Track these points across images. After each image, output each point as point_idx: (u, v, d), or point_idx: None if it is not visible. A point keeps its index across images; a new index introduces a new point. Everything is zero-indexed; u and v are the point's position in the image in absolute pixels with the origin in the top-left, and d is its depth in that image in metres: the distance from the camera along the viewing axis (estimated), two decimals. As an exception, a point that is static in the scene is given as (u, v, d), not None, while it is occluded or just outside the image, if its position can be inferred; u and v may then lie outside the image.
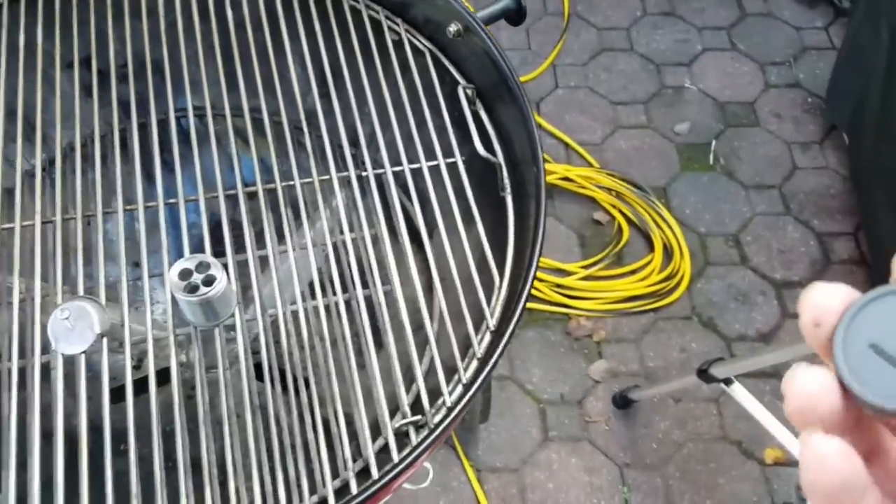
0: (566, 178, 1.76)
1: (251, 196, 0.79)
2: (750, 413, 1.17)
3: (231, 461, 0.64)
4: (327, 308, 0.80)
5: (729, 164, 1.84)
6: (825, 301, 0.24)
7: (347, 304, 0.79)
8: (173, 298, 0.65)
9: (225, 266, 0.67)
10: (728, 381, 1.20)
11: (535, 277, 0.62)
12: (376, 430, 0.65)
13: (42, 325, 0.68)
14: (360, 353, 0.83)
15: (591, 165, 1.81)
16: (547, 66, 1.96)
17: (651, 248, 1.69)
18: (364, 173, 0.78)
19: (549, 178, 1.76)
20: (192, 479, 0.66)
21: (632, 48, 2.04)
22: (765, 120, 1.92)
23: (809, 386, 0.24)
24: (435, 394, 0.65)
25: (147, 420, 0.67)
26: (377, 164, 0.79)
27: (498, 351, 0.60)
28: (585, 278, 1.66)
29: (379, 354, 0.69)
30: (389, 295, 0.73)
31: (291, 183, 0.77)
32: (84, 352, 0.63)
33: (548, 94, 1.94)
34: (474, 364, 0.66)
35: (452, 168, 0.77)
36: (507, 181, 0.76)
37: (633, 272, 1.67)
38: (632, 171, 1.79)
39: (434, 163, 0.77)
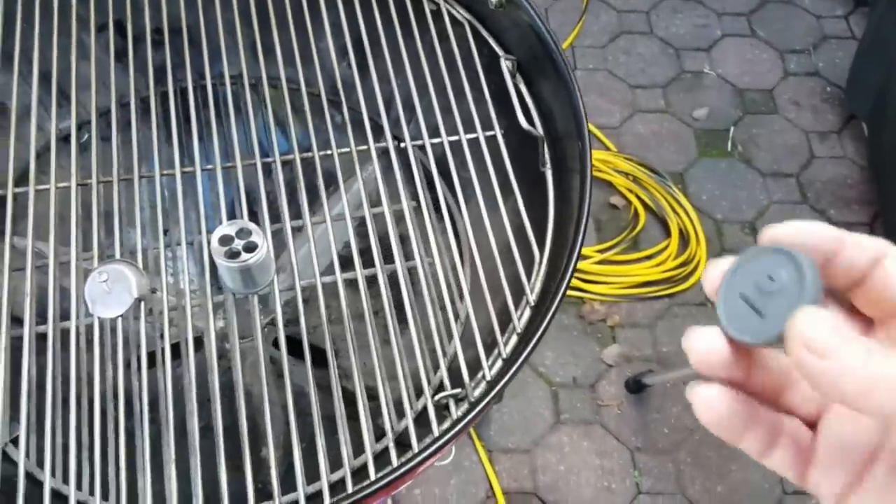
0: (583, 161, 1.75)
1: (285, 165, 0.78)
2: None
3: (269, 431, 0.63)
4: (362, 280, 0.79)
5: (747, 151, 1.83)
6: (713, 271, 0.31)
7: (385, 275, 0.78)
8: (212, 264, 0.64)
9: (264, 233, 0.66)
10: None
11: (579, 255, 0.61)
12: (406, 405, 0.64)
13: (73, 290, 0.67)
14: (394, 326, 0.83)
15: (608, 149, 1.80)
16: (565, 48, 1.95)
17: (667, 234, 1.68)
18: (402, 144, 0.77)
19: (567, 161, 1.75)
20: (226, 446, 0.65)
21: (651, 31, 2.02)
22: (783, 108, 1.91)
23: (700, 341, 0.30)
24: (474, 368, 0.64)
25: (178, 387, 0.67)
26: (415, 135, 0.78)
27: (542, 328, 0.60)
28: (600, 262, 1.65)
29: (409, 331, 0.68)
30: (427, 267, 0.72)
31: (328, 152, 0.76)
32: (121, 315, 0.62)
33: (566, 76, 1.93)
34: (514, 339, 0.65)
35: (490, 142, 0.76)
36: (547, 156, 0.75)
37: (648, 257, 1.66)
38: (649, 155, 1.78)
39: (473, 135, 0.76)
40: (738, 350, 0.30)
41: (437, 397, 0.61)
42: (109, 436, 0.70)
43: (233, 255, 0.62)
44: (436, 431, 0.60)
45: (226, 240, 0.62)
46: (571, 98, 0.71)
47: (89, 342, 0.67)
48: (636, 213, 1.71)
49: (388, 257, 0.78)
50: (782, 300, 0.28)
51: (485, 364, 0.63)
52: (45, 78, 0.80)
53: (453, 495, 1.38)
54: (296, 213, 0.77)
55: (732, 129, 1.86)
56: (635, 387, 1.48)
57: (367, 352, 0.71)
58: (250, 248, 0.62)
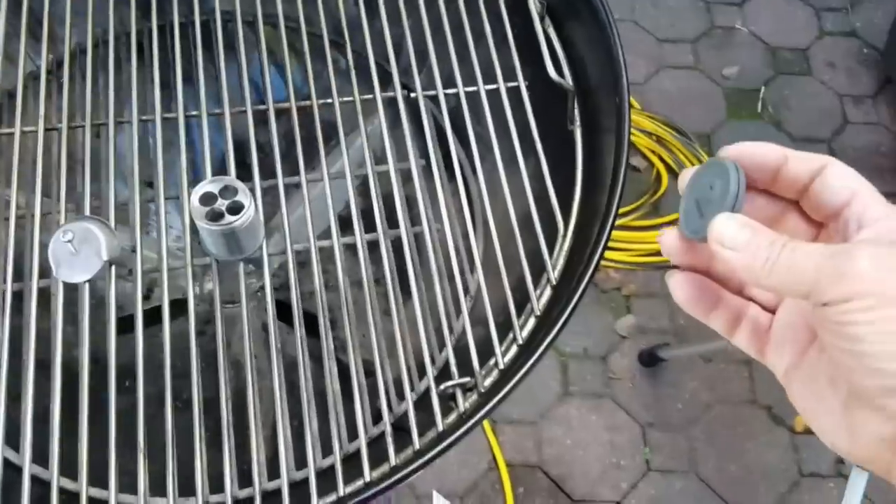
0: (603, 119, 1.66)
1: (281, 114, 0.69)
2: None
3: (251, 405, 0.56)
4: (362, 245, 0.71)
5: (777, 113, 1.73)
6: (685, 174, 0.37)
7: (388, 241, 0.71)
8: (192, 224, 0.57)
9: (252, 192, 0.58)
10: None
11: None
12: (406, 386, 0.57)
13: (41, 246, 0.60)
14: (396, 296, 0.76)
15: (631, 106, 1.70)
16: (590, -3, 1.84)
17: (689, 199, 1.59)
18: (412, 94, 0.68)
19: (586, 118, 1.65)
20: (205, 422, 0.59)
21: (682, -18, 1.91)
22: (817, 69, 1.80)
23: (664, 237, 0.38)
24: (485, 352, 0.56)
25: (154, 355, 0.60)
26: (427, 85, 0.69)
27: (566, 313, 0.52)
28: (617, 227, 1.56)
29: (412, 302, 0.61)
30: (436, 234, 0.64)
31: (329, 101, 0.68)
32: (88, 280, 0.55)
33: (588, 28, 1.82)
34: (531, 322, 0.58)
35: (512, 94, 0.68)
36: (577, 113, 0.66)
37: (670, 223, 1.57)
38: (675, 114, 1.68)
39: (493, 86, 0.67)
40: (693, 244, 0.37)
41: (442, 386, 0.53)
42: (79, 406, 0.63)
43: (215, 216, 0.54)
44: (440, 425, 0.53)
45: (208, 198, 0.54)
46: (609, 47, 0.62)
47: (72, 302, 0.60)
48: (658, 176, 1.62)
49: (392, 221, 0.71)
50: (714, 205, 0.34)
51: (497, 349, 0.55)
52: (16, 5, 0.71)
53: (454, 465, 1.32)
54: (292, 170, 0.69)
55: (763, 89, 1.76)
56: (649, 360, 1.41)
57: (364, 323, 0.64)
58: (235, 209, 0.54)
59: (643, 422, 1.38)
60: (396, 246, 0.67)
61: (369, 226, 0.68)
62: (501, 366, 0.55)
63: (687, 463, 1.35)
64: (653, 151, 1.63)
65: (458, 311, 0.73)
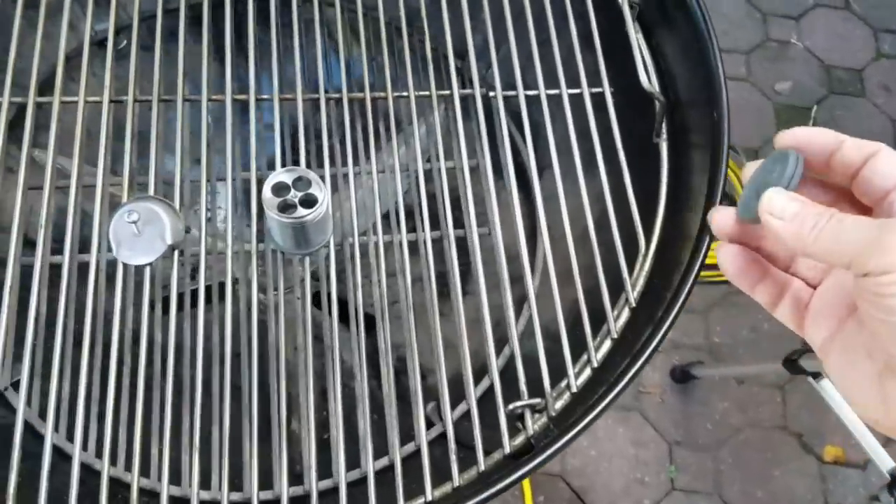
0: (650, 125, 1.62)
1: (335, 104, 0.66)
2: (838, 414, 1.06)
3: (303, 403, 0.54)
4: (411, 243, 0.69)
5: (827, 134, 1.69)
6: (749, 167, 0.39)
7: (434, 241, 0.68)
8: (259, 209, 0.54)
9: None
10: (817, 376, 1.09)
11: (707, 254, 0.50)
12: (471, 399, 0.54)
13: (95, 218, 0.57)
14: (442, 297, 0.73)
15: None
16: None
17: (732, 214, 1.56)
18: (470, 92, 0.65)
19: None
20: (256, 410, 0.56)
21: (739, -9, 1.86)
22: (871, 91, 1.76)
23: (718, 215, 0.39)
24: (555, 372, 0.53)
25: (194, 337, 0.57)
26: (487, 83, 0.66)
27: (655, 342, 0.49)
28: (656, 236, 1.53)
29: (473, 304, 0.58)
30: (502, 236, 0.61)
31: (382, 95, 0.65)
32: (150, 264, 0.52)
33: (640, 30, 1.78)
34: (607, 345, 0.55)
35: (597, 100, 0.64)
36: (664, 125, 0.63)
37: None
38: (723, 127, 1.64)
39: (576, 91, 0.64)
40: (745, 226, 0.39)
41: (511, 406, 0.50)
42: (124, 389, 0.61)
43: (286, 207, 0.51)
44: (507, 447, 0.50)
45: (280, 189, 0.52)
46: (707, 58, 0.59)
47: (110, 278, 0.58)
48: (700, 188, 1.59)
49: (456, 220, 0.68)
50: (771, 186, 0.35)
51: (570, 370, 0.52)
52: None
53: (475, 468, 1.29)
54: (355, 160, 0.66)
55: (815, 107, 1.71)
56: (681, 376, 1.38)
57: (423, 326, 0.61)
58: (309, 202, 0.51)
59: (670, 439, 1.35)
60: (461, 246, 0.64)
61: (433, 223, 0.65)
62: (574, 389, 0.52)
63: (712, 485, 1.33)
64: (698, 163, 1.60)
65: (521, 320, 0.70)
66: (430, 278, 0.69)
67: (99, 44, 0.73)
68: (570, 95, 0.64)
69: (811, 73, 1.76)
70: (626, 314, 0.55)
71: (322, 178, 0.63)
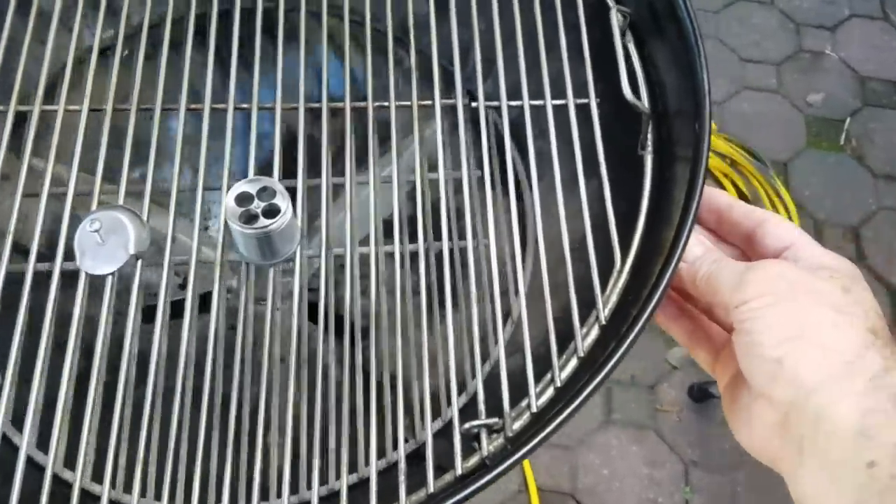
0: (675, 137, 1.59)
1: (335, 113, 0.66)
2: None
3: (262, 410, 0.53)
4: (402, 255, 0.68)
5: (861, 146, 1.64)
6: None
7: (426, 253, 0.67)
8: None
9: (293, 191, 0.55)
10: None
11: (676, 269, 0.48)
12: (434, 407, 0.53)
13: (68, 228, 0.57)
14: (428, 311, 0.72)
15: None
16: (673, 9, 1.77)
17: (758, 229, 1.52)
18: (474, 104, 0.64)
19: (657, 134, 1.59)
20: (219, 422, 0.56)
21: (772, 2, 1.82)
22: (909, 104, 1.70)
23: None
24: (518, 389, 0.52)
25: (176, 348, 0.56)
26: (491, 94, 0.65)
27: (614, 359, 0.47)
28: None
29: (451, 319, 0.57)
30: (483, 250, 0.60)
31: (385, 104, 0.64)
32: (111, 274, 0.52)
33: (668, 41, 1.75)
34: (573, 363, 0.53)
35: (581, 111, 0.63)
36: (649, 137, 0.61)
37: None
38: (752, 138, 1.60)
39: (561, 101, 0.62)
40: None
41: (466, 426, 0.49)
42: (93, 397, 0.61)
43: (250, 218, 0.51)
44: (458, 468, 0.49)
45: (244, 199, 0.51)
46: (694, 70, 0.57)
47: (98, 287, 0.58)
48: (726, 202, 1.55)
49: (437, 233, 0.67)
50: None
51: (532, 390, 0.51)
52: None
53: (485, 482, 1.28)
54: (341, 170, 0.66)
55: (848, 120, 1.67)
56: (699, 395, 1.35)
57: (394, 337, 0.60)
58: (271, 212, 0.51)
59: (686, 459, 1.32)
60: (441, 259, 0.63)
61: (414, 235, 0.64)
62: (535, 409, 0.50)
63: (728, 507, 1.29)
64: (725, 175, 1.56)
65: (496, 337, 0.69)
66: (405, 290, 0.68)
67: (100, 53, 0.74)
68: (555, 107, 0.62)
69: (845, 84, 1.71)
70: (595, 332, 0.54)
71: (311, 188, 0.63)
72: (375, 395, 0.52)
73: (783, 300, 0.38)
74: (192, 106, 0.63)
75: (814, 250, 0.42)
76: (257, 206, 0.51)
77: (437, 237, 0.65)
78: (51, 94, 0.67)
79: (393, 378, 0.62)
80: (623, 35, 0.65)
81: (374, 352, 0.55)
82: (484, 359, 0.55)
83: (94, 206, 0.56)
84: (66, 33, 0.67)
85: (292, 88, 0.67)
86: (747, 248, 0.46)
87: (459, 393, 0.53)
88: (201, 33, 0.69)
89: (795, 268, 0.40)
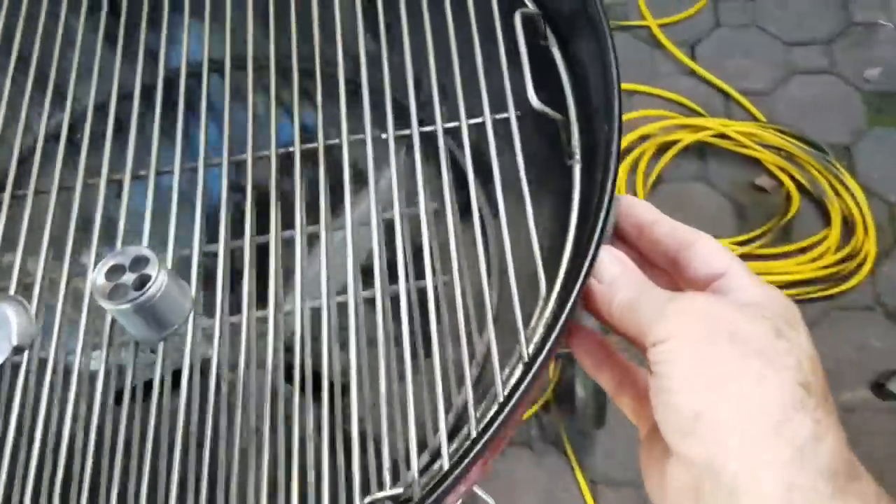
0: (722, 136, 1.48)
1: (286, 159, 0.63)
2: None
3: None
4: (356, 304, 0.63)
5: (932, 118, 1.48)
6: None
7: (384, 299, 0.62)
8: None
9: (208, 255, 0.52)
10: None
11: (581, 294, 0.41)
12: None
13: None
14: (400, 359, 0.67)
15: (755, 119, 1.51)
16: (706, 2, 1.67)
17: (827, 222, 1.39)
18: (423, 129, 0.59)
19: (701, 135, 1.49)
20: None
21: (812, -22, 1.70)
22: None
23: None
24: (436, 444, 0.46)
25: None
26: (424, 119, 0.60)
27: (517, 396, 0.41)
28: (741, 257, 1.38)
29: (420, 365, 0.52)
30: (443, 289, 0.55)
31: (336, 142, 0.60)
32: (-3, 366, 0.50)
33: (706, 35, 1.65)
34: (494, 409, 0.46)
35: (523, 124, 0.57)
36: (576, 144, 0.55)
37: (802, 250, 1.37)
38: (807, 126, 1.47)
39: (503, 115, 0.57)
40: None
41: (367, 499, 0.43)
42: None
43: (121, 292, 0.48)
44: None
45: (115, 271, 0.48)
46: (604, 61, 0.50)
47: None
48: (788, 197, 1.43)
49: (392, 275, 0.62)
50: None
51: (444, 448, 0.45)
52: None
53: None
54: (288, 223, 0.63)
55: (913, 91, 1.52)
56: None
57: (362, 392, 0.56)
58: (142, 282, 0.48)
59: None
60: (397, 303, 0.58)
61: (368, 282, 0.60)
62: (446, 467, 0.44)
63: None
64: (781, 169, 1.44)
65: (461, 382, 0.63)
66: (359, 341, 0.64)
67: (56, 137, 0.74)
68: (471, 125, 0.57)
69: (906, 54, 1.56)
70: (519, 371, 0.47)
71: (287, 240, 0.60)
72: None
73: (704, 343, 0.32)
74: (114, 177, 0.62)
75: (745, 281, 0.36)
76: (129, 277, 0.48)
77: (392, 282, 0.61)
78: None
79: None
80: (544, 38, 0.59)
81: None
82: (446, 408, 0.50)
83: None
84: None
85: (240, 141, 0.65)
86: (675, 273, 0.40)
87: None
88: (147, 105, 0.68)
89: (723, 303, 0.34)
